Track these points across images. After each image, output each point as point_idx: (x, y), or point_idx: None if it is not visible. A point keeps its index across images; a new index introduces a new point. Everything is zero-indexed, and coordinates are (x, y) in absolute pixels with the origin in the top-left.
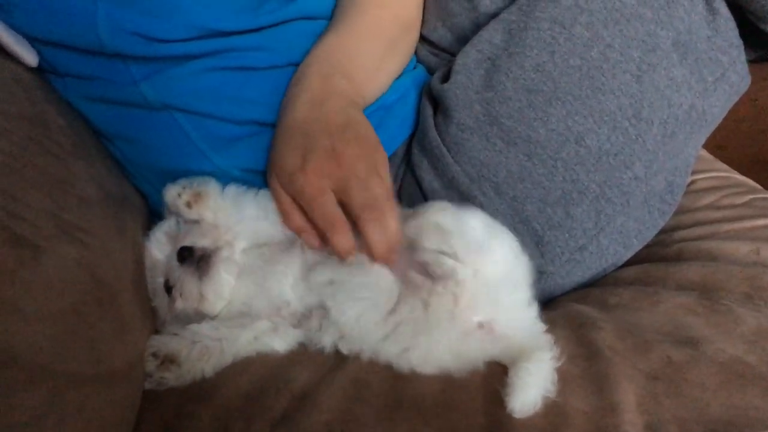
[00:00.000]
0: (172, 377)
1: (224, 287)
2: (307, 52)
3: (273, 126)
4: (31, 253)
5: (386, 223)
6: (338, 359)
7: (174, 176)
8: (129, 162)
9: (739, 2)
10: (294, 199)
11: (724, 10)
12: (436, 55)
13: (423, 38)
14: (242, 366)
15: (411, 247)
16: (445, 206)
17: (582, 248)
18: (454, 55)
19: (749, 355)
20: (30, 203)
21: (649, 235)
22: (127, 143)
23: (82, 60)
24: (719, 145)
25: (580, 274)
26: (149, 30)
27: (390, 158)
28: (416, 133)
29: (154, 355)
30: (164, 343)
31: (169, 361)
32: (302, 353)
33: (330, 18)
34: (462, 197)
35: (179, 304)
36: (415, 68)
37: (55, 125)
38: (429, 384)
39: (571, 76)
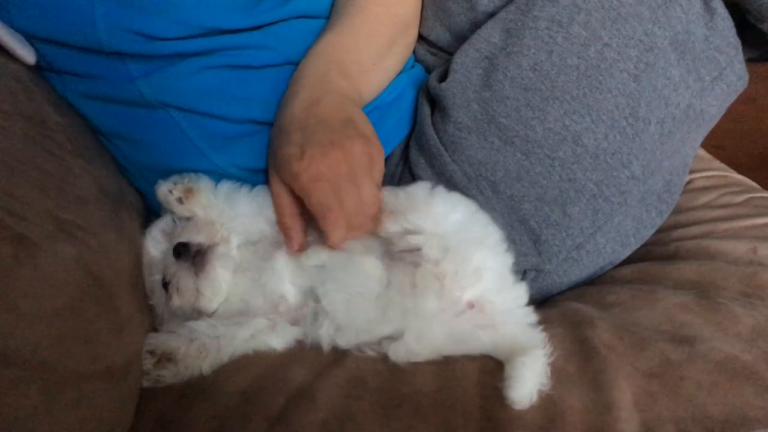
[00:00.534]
0: (169, 375)
1: (220, 283)
2: (304, 51)
3: (271, 124)
4: (28, 250)
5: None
6: (335, 357)
7: (172, 174)
8: (127, 160)
9: (736, 1)
10: (291, 190)
11: (722, 10)
12: (435, 54)
13: (421, 37)
14: (239, 364)
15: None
16: (397, 190)
17: (579, 247)
18: (452, 54)
19: (746, 353)
20: (28, 201)
21: (647, 234)
22: (125, 141)
23: (80, 58)
24: (718, 145)
25: (578, 272)
26: (147, 28)
27: (388, 157)
28: (414, 132)
29: (152, 352)
30: (161, 340)
31: (166, 358)
32: (299, 351)
33: (328, 16)
34: None
35: (176, 300)
36: (413, 67)
37: (53, 123)
38: (425, 381)
39: (569, 76)
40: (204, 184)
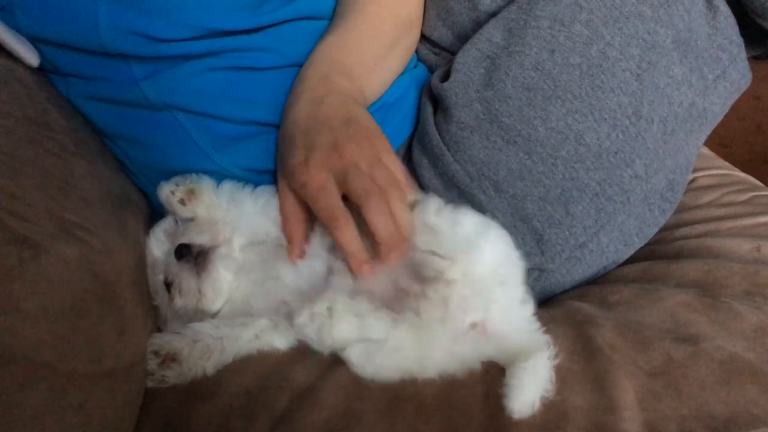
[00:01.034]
0: (173, 375)
1: (222, 284)
2: (308, 53)
3: (274, 126)
4: (32, 252)
5: (390, 207)
6: (339, 357)
7: (174, 175)
8: (131, 161)
9: None
10: (299, 196)
11: (724, 8)
12: (437, 54)
13: (423, 37)
14: (243, 364)
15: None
16: (439, 206)
17: (582, 246)
18: (454, 53)
19: (749, 352)
20: (31, 202)
21: (650, 233)
22: (128, 143)
23: (83, 60)
24: (722, 143)
25: (581, 271)
26: (150, 30)
27: None
28: (417, 132)
29: (156, 353)
30: (165, 341)
31: (170, 359)
32: (303, 351)
33: (331, 18)
34: (462, 196)
35: (178, 301)
36: (415, 67)
37: (56, 125)
38: (429, 382)
39: (571, 75)
40: (206, 184)
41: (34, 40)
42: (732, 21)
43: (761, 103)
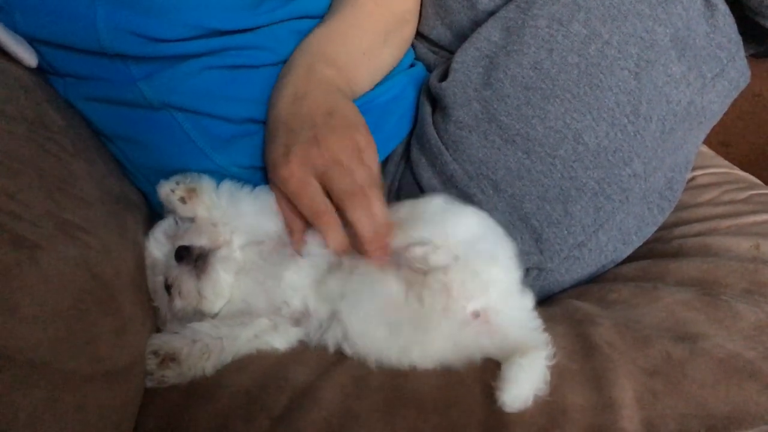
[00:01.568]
0: (172, 375)
1: (222, 286)
2: None
3: None
4: (30, 252)
5: (371, 207)
6: (338, 356)
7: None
8: (129, 161)
9: None
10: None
11: (723, 6)
12: (435, 53)
13: (422, 36)
14: (242, 364)
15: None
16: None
17: (581, 245)
18: (452, 52)
19: (748, 350)
20: (30, 203)
21: (649, 232)
22: (127, 143)
23: (81, 60)
24: (723, 142)
25: (579, 270)
26: (148, 30)
27: (389, 156)
28: (415, 131)
29: (155, 353)
30: (165, 341)
31: (169, 359)
32: (302, 351)
33: None
34: (460, 195)
35: (178, 303)
36: (413, 66)
37: (55, 125)
38: (428, 380)
39: (569, 74)
40: (206, 183)
41: (33, 41)
42: (730, 19)
43: (761, 101)
